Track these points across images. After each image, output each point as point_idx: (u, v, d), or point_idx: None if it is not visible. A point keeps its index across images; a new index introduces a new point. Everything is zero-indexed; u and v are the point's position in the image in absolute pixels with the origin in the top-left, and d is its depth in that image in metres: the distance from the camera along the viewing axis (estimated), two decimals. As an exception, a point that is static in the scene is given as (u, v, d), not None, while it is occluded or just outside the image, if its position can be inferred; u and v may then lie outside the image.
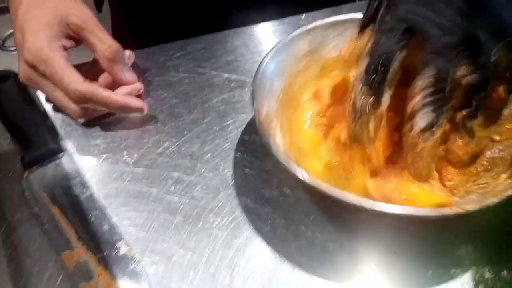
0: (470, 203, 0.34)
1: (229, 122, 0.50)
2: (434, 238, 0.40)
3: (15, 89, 0.48)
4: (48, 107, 0.51)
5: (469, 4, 0.34)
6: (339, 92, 0.46)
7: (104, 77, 0.48)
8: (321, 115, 0.46)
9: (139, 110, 0.48)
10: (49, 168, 0.45)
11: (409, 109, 0.37)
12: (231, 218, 0.42)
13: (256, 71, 0.42)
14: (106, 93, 0.45)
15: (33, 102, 0.49)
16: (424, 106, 0.36)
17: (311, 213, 0.42)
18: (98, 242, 0.40)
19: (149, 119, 0.50)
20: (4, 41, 1.57)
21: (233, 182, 0.44)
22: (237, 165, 0.46)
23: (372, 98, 0.37)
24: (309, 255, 0.39)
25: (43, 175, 0.44)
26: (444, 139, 0.39)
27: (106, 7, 0.75)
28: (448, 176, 0.42)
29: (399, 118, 0.40)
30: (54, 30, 0.44)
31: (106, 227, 0.41)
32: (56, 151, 0.46)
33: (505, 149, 0.42)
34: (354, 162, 0.41)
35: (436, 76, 0.35)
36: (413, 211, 0.35)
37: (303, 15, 0.63)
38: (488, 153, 0.43)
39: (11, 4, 0.47)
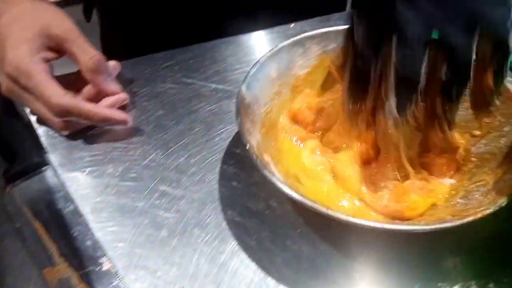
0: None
1: (216, 133, 0.50)
2: (421, 251, 0.40)
3: (-2, 101, 0.47)
4: (32, 119, 0.50)
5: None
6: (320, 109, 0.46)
7: (88, 88, 0.48)
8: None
9: (123, 122, 0.47)
10: (32, 182, 0.44)
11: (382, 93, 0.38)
12: (216, 232, 0.41)
13: (237, 102, 0.42)
14: (88, 106, 0.44)
15: (17, 114, 0.49)
16: (396, 93, 0.37)
17: (297, 227, 0.41)
18: (81, 258, 0.39)
19: (135, 131, 0.50)
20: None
21: (219, 195, 0.44)
22: (224, 177, 0.45)
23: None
24: (296, 269, 0.39)
25: (26, 189, 0.44)
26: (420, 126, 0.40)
27: (95, 16, 0.75)
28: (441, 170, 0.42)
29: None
30: (35, 43, 0.43)
31: (89, 242, 0.40)
32: (40, 164, 0.45)
33: (489, 142, 0.42)
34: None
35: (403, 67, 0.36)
36: (404, 227, 0.35)
37: (292, 24, 0.63)
38: (473, 149, 0.43)
39: None
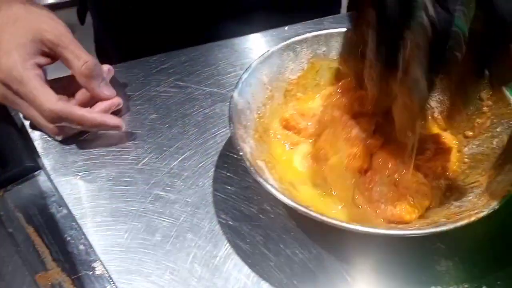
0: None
1: (210, 137, 0.50)
2: (414, 254, 0.40)
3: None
4: (26, 123, 0.50)
5: None
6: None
7: (81, 93, 0.48)
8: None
9: (116, 127, 0.47)
10: (25, 187, 0.44)
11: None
12: (210, 236, 0.41)
13: (229, 108, 0.42)
14: (81, 112, 0.44)
15: (10, 119, 0.49)
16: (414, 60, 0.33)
17: (290, 230, 0.41)
18: (74, 262, 0.39)
19: (128, 135, 0.50)
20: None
21: (213, 199, 0.44)
22: (217, 181, 0.45)
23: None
24: (289, 273, 0.39)
25: (18, 194, 0.43)
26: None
27: (89, 19, 0.75)
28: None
29: None
30: (28, 48, 0.43)
31: (82, 246, 0.40)
32: (33, 169, 0.45)
33: (482, 143, 0.43)
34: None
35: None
36: (397, 232, 0.35)
37: (286, 27, 0.63)
38: (465, 150, 0.43)
39: None
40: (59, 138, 0.48)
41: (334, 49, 0.49)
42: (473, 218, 0.34)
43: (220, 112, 0.52)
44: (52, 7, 0.48)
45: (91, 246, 0.40)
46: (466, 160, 0.43)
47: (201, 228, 0.42)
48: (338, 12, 0.79)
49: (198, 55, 0.59)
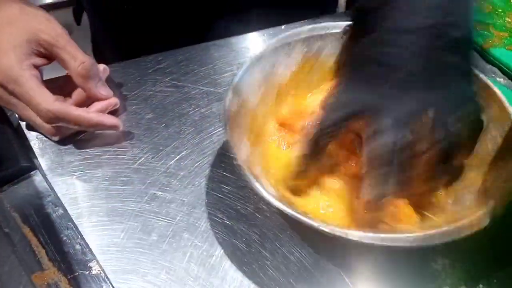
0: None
1: (206, 136, 0.50)
2: (410, 253, 0.40)
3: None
4: (22, 123, 0.50)
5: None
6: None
7: (78, 92, 0.48)
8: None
9: (113, 127, 0.47)
10: (20, 187, 0.44)
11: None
12: (206, 235, 0.41)
13: (223, 110, 0.41)
14: (78, 112, 0.44)
15: (6, 118, 0.49)
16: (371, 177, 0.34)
17: (287, 229, 0.42)
18: (70, 262, 0.39)
19: (124, 135, 0.49)
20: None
21: (208, 198, 0.44)
22: (213, 181, 0.45)
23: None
24: (285, 272, 0.39)
25: (14, 194, 0.43)
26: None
27: (85, 19, 0.75)
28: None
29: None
30: (24, 49, 0.43)
31: (78, 246, 0.40)
32: (28, 169, 0.45)
33: (477, 147, 0.42)
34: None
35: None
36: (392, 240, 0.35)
37: (283, 26, 0.63)
38: None
39: None
40: (56, 138, 0.48)
41: (328, 47, 0.48)
42: (475, 229, 0.34)
43: (216, 112, 0.52)
44: (48, 7, 0.48)
45: (87, 246, 0.40)
46: None
47: (197, 228, 0.42)
48: (334, 11, 0.79)
49: (194, 55, 0.59)
